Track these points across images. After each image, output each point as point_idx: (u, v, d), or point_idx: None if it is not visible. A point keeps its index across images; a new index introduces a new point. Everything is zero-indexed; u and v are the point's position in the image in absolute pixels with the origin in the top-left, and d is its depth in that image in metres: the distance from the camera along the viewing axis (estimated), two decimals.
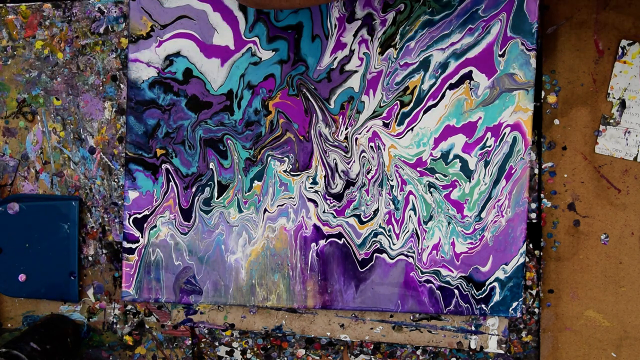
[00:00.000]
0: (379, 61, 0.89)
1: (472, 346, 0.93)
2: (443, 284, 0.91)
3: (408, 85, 0.89)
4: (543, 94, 0.91)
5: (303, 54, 0.89)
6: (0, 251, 0.94)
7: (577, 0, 0.90)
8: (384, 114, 0.90)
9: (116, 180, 0.95)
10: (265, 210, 0.91)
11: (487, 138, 0.89)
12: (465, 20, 0.87)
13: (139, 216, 0.92)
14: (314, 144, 0.90)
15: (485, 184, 0.89)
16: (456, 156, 0.89)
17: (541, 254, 0.92)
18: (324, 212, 0.91)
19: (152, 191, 0.91)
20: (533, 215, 0.92)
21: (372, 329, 0.94)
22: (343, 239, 0.91)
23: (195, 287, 0.92)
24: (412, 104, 0.89)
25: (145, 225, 0.92)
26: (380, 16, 0.88)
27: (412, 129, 0.89)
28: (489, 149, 0.89)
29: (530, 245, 0.92)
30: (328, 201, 0.91)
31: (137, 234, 0.92)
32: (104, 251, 0.96)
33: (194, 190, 0.91)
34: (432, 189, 0.90)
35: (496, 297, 0.90)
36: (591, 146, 0.91)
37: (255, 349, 0.97)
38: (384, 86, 0.89)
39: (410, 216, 0.90)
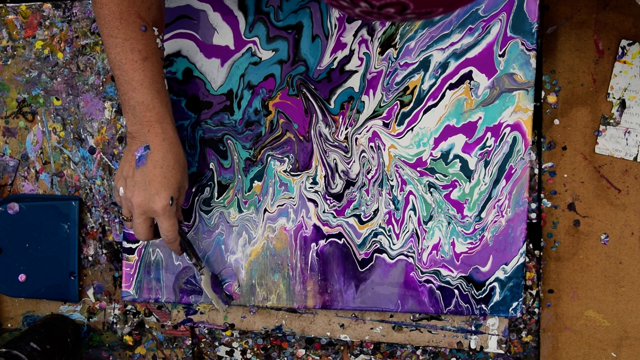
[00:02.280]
0: (379, 61, 0.89)
1: (472, 346, 0.93)
2: (443, 284, 0.91)
3: (408, 85, 0.89)
4: (543, 94, 0.91)
5: (303, 54, 0.89)
6: (0, 251, 0.94)
7: (577, 0, 0.90)
8: (384, 114, 0.90)
9: None
10: (265, 210, 0.91)
11: (487, 138, 0.89)
12: (465, 20, 0.87)
13: None
14: (314, 144, 0.90)
15: (485, 184, 0.89)
16: (456, 156, 0.89)
17: (541, 254, 0.92)
18: (324, 212, 0.91)
19: None
20: (533, 215, 0.92)
21: (372, 329, 0.94)
22: (343, 239, 0.91)
23: (195, 287, 0.92)
24: (412, 104, 0.89)
25: None
26: None
27: (412, 129, 0.89)
28: (489, 149, 0.89)
29: (530, 245, 0.92)
30: (328, 201, 0.91)
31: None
32: (104, 251, 0.96)
33: (193, 190, 0.91)
34: (432, 189, 0.90)
35: (496, 297, 0.90)
36: (591, 146, 0.91)
37: (255, 349, 0.97)
38: (384, 86, 0.89)
39: (410, 216, 0.90)
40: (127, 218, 0.82)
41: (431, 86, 0.89)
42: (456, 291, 0.91)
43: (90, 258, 0.96)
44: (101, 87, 0.94)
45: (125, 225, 0.85)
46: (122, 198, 0.80)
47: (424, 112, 0.89)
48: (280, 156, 0.91)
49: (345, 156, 0.90)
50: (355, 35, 0.88)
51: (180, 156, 0.79)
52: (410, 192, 0.90)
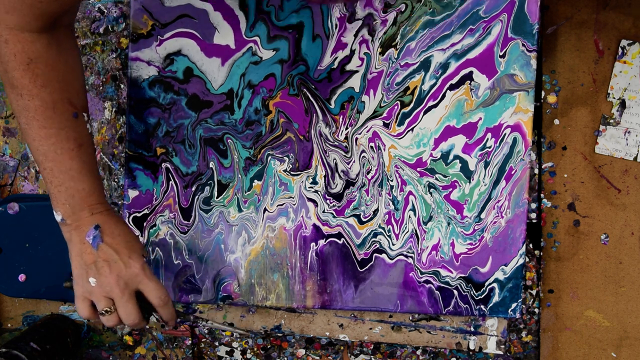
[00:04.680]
0: (380, 61, 0.89)
1: (471, 347, 0.93)
2: (442, 285, 0.91)
3: (408, 85, 0.89)
4: (543, 94, 0.91)
5: (304, 54, 0.89)
6: (0, 251, 0.94)
7: (577, 0, 0.90)
8: (384, 114, 0.90)
9: (116, 180, 0.95)
10: (265, 209, 0.91)
11: (487, 139, 0.89)
12: (466, 21, 0.87)
13: (138, 215, 0.92)
14: (314, 144, 0.90)
15: (485, 185, 0.89)
16: (456, 157, 0.89)
17: (541, 254, 0.93)
18: (323, 212, 0.91)
19: (152, 190, 0.91)
20: (533, 215, 0.92)
21: (371, 329, 0.94)
22: (342, 239, 0.91)
23: (195, 286, 0.92)
24: (412, 105, 0.89)
25: (145, 224, 0.92)
26: (381, 16, 0.88)
27: (412, 129, 0.89)
28: (489, 149, 0.89)
29: (531, 245, 0.92)
30: (328, 201, 0.91)
31: (137, 232, 0.92)
32: None
33: (193, 189, 0.91)
34: (432, 190, 0.90)
35: (495, 298, 0.90)
36: (591, 146, 0.91)
37: (255, 349, 0.97)
38: (384, 86, 0.89)
39: (409, 216, 0.90)
40: (108, 310, 0.74)
41: (432, 87, 0.89)
42: (455, 292, 0.91)
43: None
44: (101, 87, 0.94)
45: (107, 322, 0.75)
46: (97, 287, 0.73)
47: (424, 113, 0.89)
48: (280, 156, 0.91)
49: (345, 156, 0.90)
50: (356, 36, 0.88)
51: (126, 223, 0.77)
52: (410, 193, 0.90)
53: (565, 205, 0.92)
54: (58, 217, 0.74)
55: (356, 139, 0.90)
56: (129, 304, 0.73)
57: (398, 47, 0.89)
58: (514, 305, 0.90)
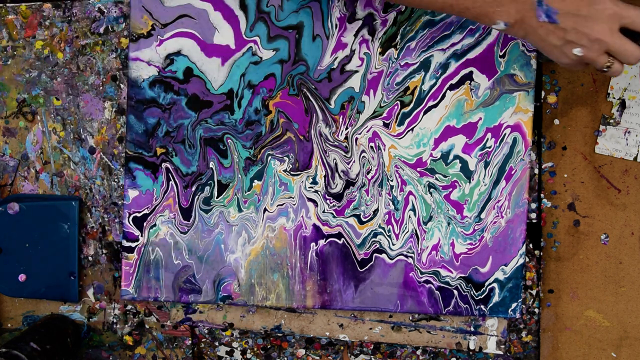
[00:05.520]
0: (380, 61, 0.89)
1: (471, 347, 0.93)
2: (442, 285, 0.91)
3: (408, 85, 0.89)
4: (543, 94, 0.91)
5: (304, 54, 0.89)
6: (0, 251, 0.94)
7: None
8: (384, 114, 0.90)
9: (116, 180, 0.95)
10: (265, 209, 0.91)
11: (487, 139, 0.89)
12: (466, 20, 0.87)
13: (138, 215, 0.92)
14: (314, 144, 0.90)
15: (485, 185, 0.89)
16: (456, 157, 0.89)
17: (541, 254, 0.93)
18: (323, 212, 0.91)
19: (151, 190, 0.91)
20: (533, 215, 0.92)
21: (371, 329, 0.94)
22: (342, 239, 0.91)
23: (195, 286, 0.92)
24: (412, 105, 0.89)
25: (144, 224, 0.92)
26: (381, 16, 0.88)
27: (412, 129, 0.89)
28: (489, 149, 0.89)
29: (531, 245, 0.92)
30: (328, 201, 0.91)
31: (137, 232, 0.92)
32: (104, 251, 0.96)
33: (193, 189, 0.91)
34: (432, 190, 0.90)
35: (495, 298, 0.90)
36: (591, 146, 0.91)
37: (255, 349, 0.97)
38: (384, 86, 0.89)
39: (410, 216, 0.90)
40: (608, 65, 0.71)
41: (432, 87, 0.89)
42: (455, 292, 0.91)
43: (90, 258, 0.96)
44: (101, 87, 0.94)
45: (612, 70, 0.71)
46: (586, 53, 0.69)
47: (424, 113, 0.89)
48: (280, 156, 0.91)
49: (345, 156, 0.90)
50: (356, 35, 0.88)
51: None
52: (410, 193, 0.90)
53: (565, 205, 0.92)
54: (501, 26, 0.70)
55: (356, 139, 0.90)
56: (622, 44, 0.69)
57: (398, 47, 0.89)
58: (514, 305, 0.90)
